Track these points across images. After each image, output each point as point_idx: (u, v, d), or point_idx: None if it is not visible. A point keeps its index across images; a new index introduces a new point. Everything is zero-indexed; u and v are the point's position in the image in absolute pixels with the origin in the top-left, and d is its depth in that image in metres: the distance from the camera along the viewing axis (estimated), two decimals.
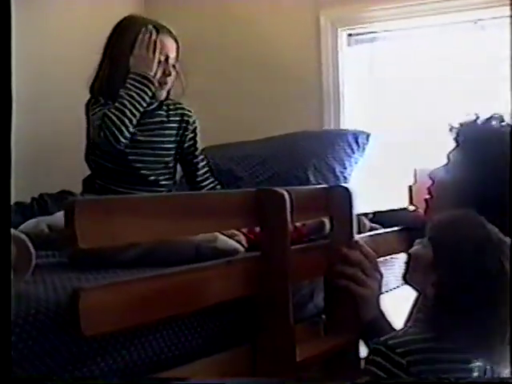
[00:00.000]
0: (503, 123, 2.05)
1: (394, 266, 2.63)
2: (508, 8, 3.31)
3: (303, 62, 3.77)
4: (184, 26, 3.69)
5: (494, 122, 2.05)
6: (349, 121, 3.71)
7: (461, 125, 2.10)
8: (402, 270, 2.66)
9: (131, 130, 2.66)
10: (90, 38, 3.07)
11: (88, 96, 2.84)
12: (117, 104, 2.65)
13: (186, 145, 2.97)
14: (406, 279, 1.83)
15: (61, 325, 1.39)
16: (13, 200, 2.49)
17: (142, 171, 2.80)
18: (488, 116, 2.07)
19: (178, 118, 2.94)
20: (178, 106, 2.96)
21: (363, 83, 3.80)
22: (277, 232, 1.76)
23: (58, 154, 3.36)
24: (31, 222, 1.98)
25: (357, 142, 3.15)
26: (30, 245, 1.43)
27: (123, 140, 2.64)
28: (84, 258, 1.77)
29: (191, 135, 2.98)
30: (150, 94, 2.70)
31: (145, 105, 2.70)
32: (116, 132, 2.61)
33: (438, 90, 3.59)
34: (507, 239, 1.69)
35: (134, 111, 2.65)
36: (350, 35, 3.76)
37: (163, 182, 2.87)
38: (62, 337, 1.39)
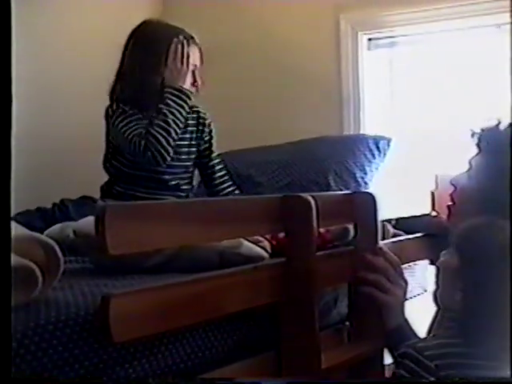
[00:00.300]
0: None
1: (415, 273, 2.64)
2: None
3: (323, 66, 3.78)
4: (202, 28, 3.73)
5: None
6: (369, 126, 3.72)
7: (482, 130, 2.09)
8: (424, 276, 2.71)
9: (174, 147, 2.69)
10: (107, 40, 3.07)
11: (104, 102, 2.84)
12: (161, 123, 2.66)
13: (202, 147, 2.99)
14: (437, 296, 1.81)
15: (91, 331, 1.40)
16: (34, 206, 2.53)
17: (164, 176, 2.81)
18: (510, 121, 2.07)
19: (194, 122, 2.95)
20: (195, 109, 2.97)
21: (384, 88, 3.81)
22: (302, 238, 1.77)
23: (74, 159, 3.35)
24: (56, 228, 2.00)
25: (378, 148, 3.14)
26: (58, 250, 1.44)
27: (169, 158, 2.68)
28: (110, 264, 1.78)
29: (207, 137, 3.00)
30: (187, 108, 2.73)
31: (184, 120, 2.73)
32: (163, 152, 2.64)
33: (459, 95, 3.60)
34: None
35: (177, 129, 2.69)
36: (370, 39, 3.76)
37: (183, 187, 2.88)
38: (92, 343, 1.40)
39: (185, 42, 2.77)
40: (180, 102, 2.71)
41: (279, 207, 1.75)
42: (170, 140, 2.65)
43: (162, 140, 2.63)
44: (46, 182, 3.12)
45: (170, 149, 2.66)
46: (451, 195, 2.15)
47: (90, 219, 1.85)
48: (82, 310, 1.42)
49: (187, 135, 2.90)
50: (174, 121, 2.66)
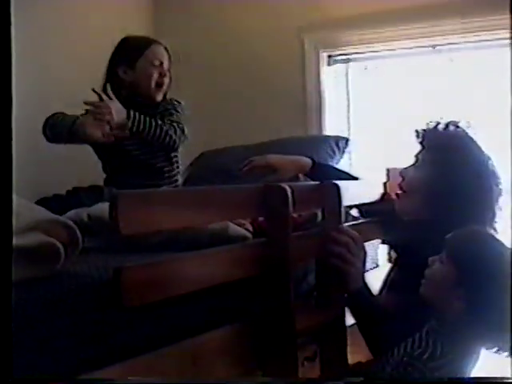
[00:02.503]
0: (458, 129, 2.09)
1: (369, 250, 2.63)
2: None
3: (290, 78, 3.78)
4: (188, 41, 3.79)
5: (451, 128, 2.09)
6: (329, 128, 3.73)
7: (424, 130, 2.13)
8: (376, 253, 2.72)
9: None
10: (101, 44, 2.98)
11: None
12: None
13: None
14: (423, 295, 1.77)
15: (104, 298, 1.39)
16: (52, 192, 2.49)
17: (150, 161, 2.71)
18: (446, 122, 2.10)
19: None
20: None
21: (341, 96, 3.83)
22: (280, 221, 1.76)
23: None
24: (72, 212, 1.97)
25: (338, 146, 3.16)
26: (77, 231, 1.43)
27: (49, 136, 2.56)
28: (118, 244, 1.77)
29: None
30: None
31: None
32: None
33: (404, 101, 3.65)
34: None
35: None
36: (329, 56, 3.79)
37: (165, 169, 2.76)
38: (105, 308, 1.40)
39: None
40: None
41: (261, 195, 1.75)
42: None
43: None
44: (56, 171, 3.05)
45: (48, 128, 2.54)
46: (400, 185, 2.17)
47: (102, 205, 1.86)
48: (97, 281, 1.43)
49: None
50: None
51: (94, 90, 2.49)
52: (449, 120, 2.10)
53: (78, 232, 1.43)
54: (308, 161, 2.45)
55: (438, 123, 2.11)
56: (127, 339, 1.45)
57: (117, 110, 2.41)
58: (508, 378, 1.63)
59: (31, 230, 1.30)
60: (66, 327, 1.33)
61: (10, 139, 1.21)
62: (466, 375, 1.67)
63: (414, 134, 2.16)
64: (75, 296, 1.36)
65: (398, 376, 1.66)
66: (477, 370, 1.74)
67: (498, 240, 1.72)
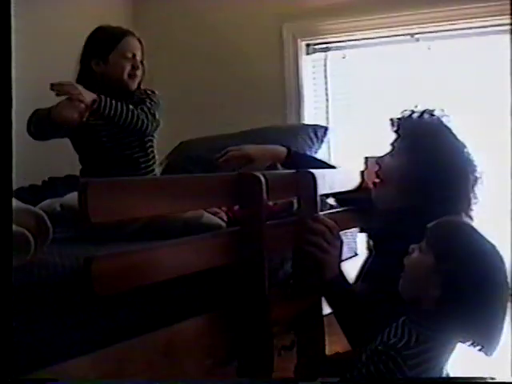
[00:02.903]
0: (433, 117, 2.10)
1: (347, 239, 2.64)
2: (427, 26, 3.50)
3: (269, 67, 3.78)
4: (165, 30, 3.80)
5: (426, 116, 2.10)
6: (308, 117, 3.74)
7: (399, 119, 2.13)
8: (355, 241, 2.72)
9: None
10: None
11: None
12: None
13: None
14: (402, 290, 1.72)
15: (74, 288, 1.38)
16: (28, 183, 2.47)
17: (125, 152, 2.63)
18: (420, 111, 2.10)
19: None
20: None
21: (320, 84, 3.83)
22: (254, 210, 1.76)
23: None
24: (46, 202, 1.95)
25: (316, 135, 3.15)
26: (47, 220, 1.42)
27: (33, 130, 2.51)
28: (91, 233, 1.76)
29: None
30: None
31: None
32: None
33: (380, 89, 3.67)
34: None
35: None
36: (307, 45, 3.79)
37: (140, 160, 2.67)
38: (76, 297, 1.39)
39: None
40: None
41: (235, 183, 1.74)
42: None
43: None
44: (34, 161, 3.01)
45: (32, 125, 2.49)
46: (376, 173, 2.17)
47: (75, 194, 1.83)
48: (68, 271, 1.41)
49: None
50: None
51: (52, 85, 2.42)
52: (424, 108, 2.11)
53: (47, 221, 1.41)
54: (284, 150, 2.45)
55: (413, 111, 2.12)
56: (99, 329, 1.44)
57: (85, 93, 2.37)
58: (484, 378, 1.62)
59: None
60: (36, 317, 1.32)
61: (10, 139, 1.20)
62: (442, 365, 1.67)
63: (389, 122, 2.16)
64: (45, 286, 1.34)
65: (373, 366, 1.64)
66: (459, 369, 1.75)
67: (479, 233, 1.70)
